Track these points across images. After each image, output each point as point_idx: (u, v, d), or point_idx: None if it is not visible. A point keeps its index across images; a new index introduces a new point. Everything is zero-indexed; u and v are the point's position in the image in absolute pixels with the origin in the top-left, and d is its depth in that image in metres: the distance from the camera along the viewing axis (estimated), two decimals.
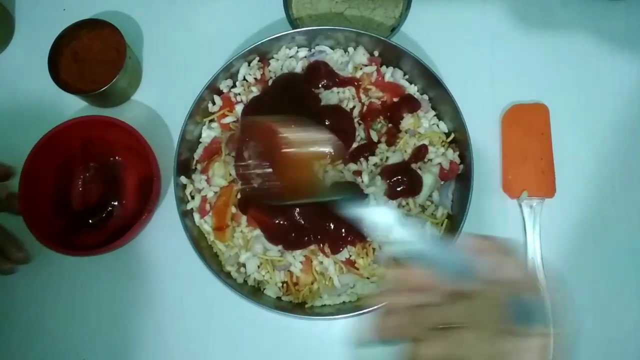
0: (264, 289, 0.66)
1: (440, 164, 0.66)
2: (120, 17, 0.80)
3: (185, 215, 0.67)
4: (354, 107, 0.69)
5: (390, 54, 0.70)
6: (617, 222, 0.70)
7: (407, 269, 0.39)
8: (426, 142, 0.67)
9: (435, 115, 0.70)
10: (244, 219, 0.66)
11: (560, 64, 0.76)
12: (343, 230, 0.64)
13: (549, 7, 0.78)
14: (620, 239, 0.70)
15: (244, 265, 0.66)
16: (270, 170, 0.61)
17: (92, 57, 0.74)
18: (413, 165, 0.66)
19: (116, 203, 0.74)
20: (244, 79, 0.72)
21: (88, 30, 0.74)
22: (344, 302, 0.65)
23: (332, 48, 0.72)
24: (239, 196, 0.66)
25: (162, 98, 0.78)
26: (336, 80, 0.70)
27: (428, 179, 0.65)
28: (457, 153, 0.68)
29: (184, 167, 0.69)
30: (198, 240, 0.66)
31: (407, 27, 0.75)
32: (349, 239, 0.64)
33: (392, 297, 0.39)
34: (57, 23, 0.75)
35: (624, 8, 0.77)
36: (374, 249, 0.65)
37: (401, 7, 0.75)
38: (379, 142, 0.68)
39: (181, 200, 0.67)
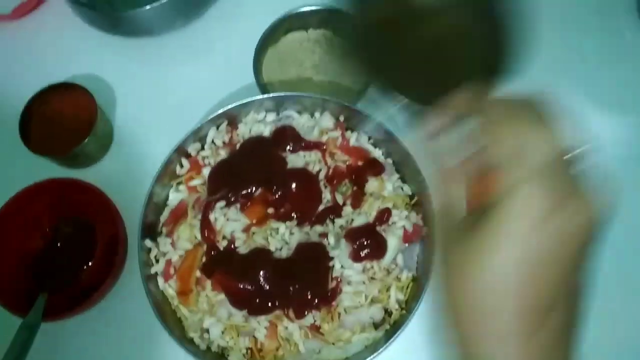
0: (228, 355, 0.65)
1: (404, 226, 0.67)
2: (92, 80, 0.82)
3: (149, 279, 0.66)
4: (319, 170, 0.70)
5: (356, 119, 0.72)
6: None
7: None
8: (390, 205, 0.68)
9: (399, 178, 0.72)
10: (208, 283, 0.65)
11: None
12: (308, 293, 0.64)
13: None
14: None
15: (207, 330, 0.64)
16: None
17: (64, 119, 0.75)
18: (378, 228, 0.67)
19: (83, 264, 0.73)
20: (213, 142, 0.73)
21: (60, 93, 0.76)
22: None
23: (299, 113, 0.74)
24: (204, 260, 0.66)
25: (131, 160, 0.78)
26: (302, 144, 0.71)
27: (392, 242, 0.66)
28: (421, 215, 0.69)
29: (150, 230, 0.69)
30: (162, 305, 0.65)
31: (375, 89, 0.78)
32: (314, 303, 0.64)
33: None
34: (29, 86, 0.76)
35: None
36: (339, 314, 0.64)
37: None
38: (345, 204, 0.69)
39: (145, 264, 0.66)
